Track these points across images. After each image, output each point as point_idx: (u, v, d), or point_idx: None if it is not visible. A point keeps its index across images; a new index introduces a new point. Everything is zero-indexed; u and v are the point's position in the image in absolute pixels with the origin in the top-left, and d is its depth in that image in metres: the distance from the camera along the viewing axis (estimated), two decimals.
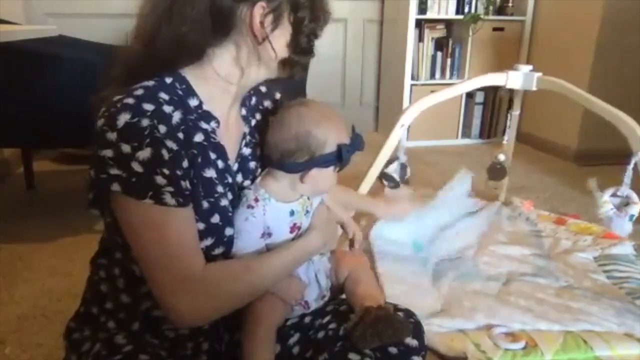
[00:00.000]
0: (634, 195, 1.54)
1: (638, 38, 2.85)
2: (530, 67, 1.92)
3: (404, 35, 3.27)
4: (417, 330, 0.89)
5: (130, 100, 0.73)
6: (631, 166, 1.52)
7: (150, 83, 0.77)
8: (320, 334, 0.89)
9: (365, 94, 3.76)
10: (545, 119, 3.29)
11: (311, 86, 2.91)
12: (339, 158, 0.84)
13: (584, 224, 2.05)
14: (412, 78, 3.36)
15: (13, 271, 1.72)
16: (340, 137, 0.85)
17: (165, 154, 0.72)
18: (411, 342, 0.87)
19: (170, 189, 0.72)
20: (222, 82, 0.82)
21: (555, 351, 1.31)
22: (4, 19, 2.23)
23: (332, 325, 0.89)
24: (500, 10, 3.42)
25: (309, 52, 0.84)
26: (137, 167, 0.71)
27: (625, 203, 1.54)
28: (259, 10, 0.76)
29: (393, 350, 0.85)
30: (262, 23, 0.77)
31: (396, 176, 1.94)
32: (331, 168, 0.86)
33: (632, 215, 1.52)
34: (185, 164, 0.75)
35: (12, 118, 1.95)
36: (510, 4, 3.40)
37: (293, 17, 0.80)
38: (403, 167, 1.90)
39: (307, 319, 0.92)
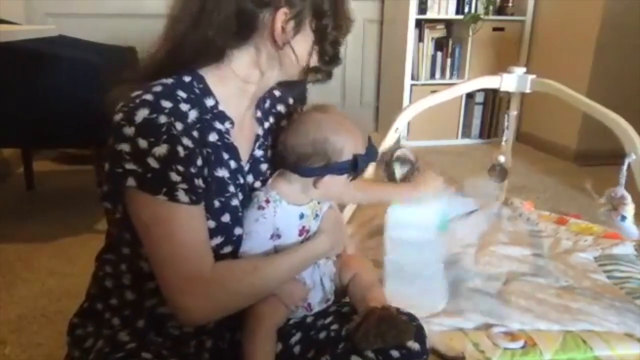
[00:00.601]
0: (628, 197, 1.54)
1: (638, 38, 2.85)
2: (524, 69, 1.91)
3: (404, 35, 3.27)
4: (419, 333, 0.89)
5: (149, 97, 0.74)
6: (625, 167, 1.53)
7: (169, 81, 0.77)
8: (322, 335, 0.89)
9: (365, 93, 3.77)
10: (545, 119, 3.29)
11: (311, 86, 2.91)
12: (354, 167, 0.85)
13: (584, 224, 2.05)
14: (412, 78, 3.36)
15: (13, 271, 1.72)
16: (356, 147, 0.86)
17: (181, 151, 0.73)
18: (413, 345, 0.87)
19: (184, 186, 0.73)
20: (240, 83, 0.83)
21: (554, 351, 1.31)
22: (4, 19, 2.23)
23: (334, 326, 0.90)
24: (500, 10, 3.42)
25: (335, 59, 0.87)
26: (153, 163, 0.71)
27: (620, 204, 1.54)
28: (281, 16, 0.77)
29: (395, 353, 0.84)
30: (283, 28, 0.78)
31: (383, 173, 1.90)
32: (344, 176, 0.87)
33: (623, 217, 1.52)
34: (199, 162, 0.76)
35: (12, 118, 1.95)
36: (510, 4, 3.40)
37: (315, 24, 0.81)
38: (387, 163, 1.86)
39: (309, 319, 0.93)
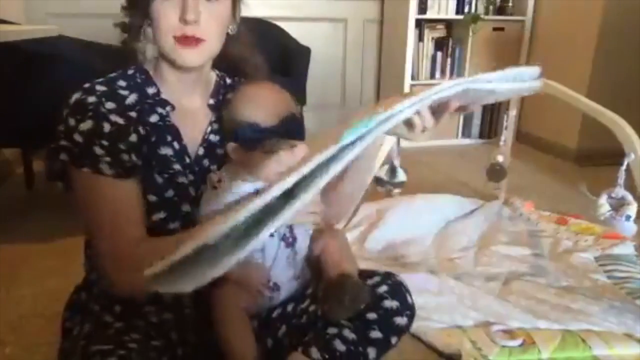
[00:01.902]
0: (629, 197, 1.54)
1: (638, 38, 2.85)
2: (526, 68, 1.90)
3: (404, 35, 3.27)
4: (396, 290, 0.90)
5: (87, 85, 0.83)
6: (624, 167, 1.53)
7: (114, 74, 0.87)
8: (304, 319, 0.91)
9: (365, 94, 3.76)
10: (545, 119, 3.29)
11: (311, 86, 2.91)
12: (243, 137, 0.84)
13: (585, 224, 2.04)
14: (412, 78, 3.36)
15: (13, 271, 1.72)
16: (256, 117, 0.83)
17: (107, 127, 0.79)
18: (390, 303, 0.87)
19: (108, 159, 0.79)
20: (168, 71, 0.88)
21: (553, 349, 1.31)
22: (4, 19, 2.23)
23: (312, 308, 0.91)
24: (500, 10, 3.42)
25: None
26: (78, 138, 0.79)
27: (622, 204, 1.54)
28: None
29: (372, 315, 0.86)
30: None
31: (385, 178, 1.93)
32: (256, 151, 0.84)
33: (628, 216, 1.52)
34: (133, 138, 0.82)
35: (12, 118, 1.95)
36: (510, 4, 3.39)
37: None
38: (393, 169, 1.90)
39: (289, 307, 0.93)
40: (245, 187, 0.85)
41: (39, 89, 1.90)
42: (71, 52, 2.07)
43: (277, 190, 0.50)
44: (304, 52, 2.85)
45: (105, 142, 0.79)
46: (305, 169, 0.51)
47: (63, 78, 1.90)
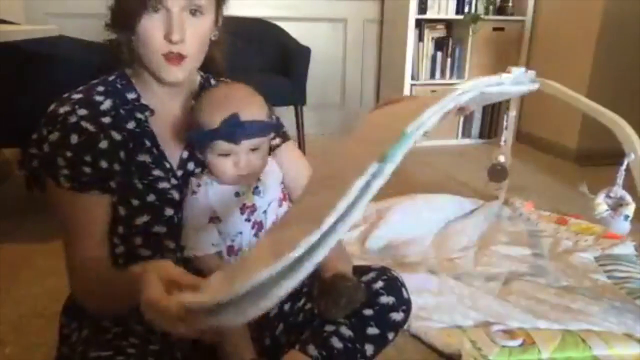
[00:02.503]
0: (627, 196, 1.54)
1: (638, 38, 2.85)
2: (523, 69, 1.90)
3: (404, 35, 3.27)
4: (391, 286, 0.90)
5: (67, 94, 0.84)
6: (623, 167, 1.53)
7: (96, 80, 0.87)
8: (300, 317, 0.91)
9: (365, 94, 3.76)
10: (545, 119, 3.29)
11: (311, 86, 2.91)
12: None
13: (585, 223, 2.05)
14: (412, 78, 3.36)
15: (13, 271, 1.72)
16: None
17: (74, 138, 0.80)
18: (386, 299, 0.87)
19: (66, 172, 0.80)
20: (147, 77, 0.88)
21: (552, 349, 1.31)
22: (4, 19, 2.23)
23: (308, 306, 0.91)
24: (500, 10, 3.42)
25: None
26: (46, 148, 0.81)
27: (620, 204, 1.54)
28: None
29: (368, 312, 0.86)
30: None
31: None
32: (209, 154, 0.84)
33: (626, 216, 1.52)
34: (103, 145, 0.82)
35: (12, 118, 1.95)
36: (510, 4, 3.39)
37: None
38: None
39: (286, 306, 0.93)
40: (225, 190, 0.86)
41: (39, 89, 1.89)
42: (71, 52, 2.07)
43: (331, 220, 0.47)
44: (304, 52, 2.85)
45: (69, 154, 0.80)
46: (353, 192, 0.48)
47: (63, 78, 1.91)
